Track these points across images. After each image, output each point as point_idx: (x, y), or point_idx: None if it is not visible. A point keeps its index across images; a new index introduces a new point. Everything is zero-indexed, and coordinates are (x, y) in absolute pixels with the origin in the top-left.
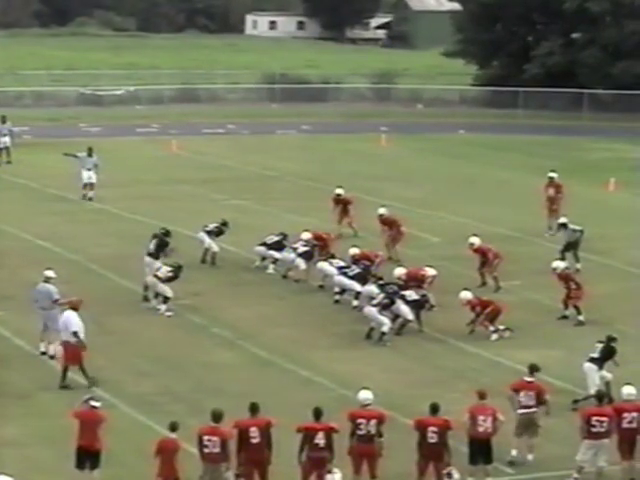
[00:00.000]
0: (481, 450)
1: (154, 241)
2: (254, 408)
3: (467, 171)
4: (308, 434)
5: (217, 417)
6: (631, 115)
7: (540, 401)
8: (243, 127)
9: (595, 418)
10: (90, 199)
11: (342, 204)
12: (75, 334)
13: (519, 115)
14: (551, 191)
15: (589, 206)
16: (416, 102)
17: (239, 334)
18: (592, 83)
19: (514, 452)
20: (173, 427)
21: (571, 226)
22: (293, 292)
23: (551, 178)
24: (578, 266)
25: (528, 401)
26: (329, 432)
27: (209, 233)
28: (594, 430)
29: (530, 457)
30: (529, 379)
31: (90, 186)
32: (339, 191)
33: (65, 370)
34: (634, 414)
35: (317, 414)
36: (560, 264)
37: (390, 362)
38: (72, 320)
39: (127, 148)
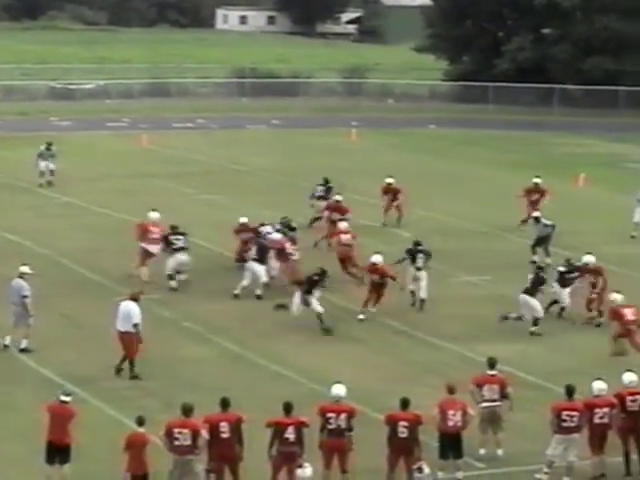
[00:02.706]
0: (451, 444)
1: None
2: (225, 403)
3: (437, 166)
4: (278, 429)
5: (187, 411)
6: (601, 110)
7: (503, 394)
8: (213, 121)
9: (566, 413)
10: (49, 183)
11: (392, 193)
12: (136, 326)
13: (489, 110)
14: (536, 196)
15: (559, 201)
16: (387, 97)
17: (210, 328)
18: (562, 78)
19: (482, 451)
20: (140, 421)
21: (543, 220)
22: (264, 286)
23: (536, 184)
24: (548, 260)
25: (492, 395)
26: (299, 427)
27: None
28: (565, 425)
29: (499, 452)
30: (491, 373)
31: (50, 172)
32: (389, 180)
33: (131, 361)
34: (605, 409)
35: (287, 408)
36: (591, 258)
37: (360, 356)
38: (135, 311)
39: (97, 142)
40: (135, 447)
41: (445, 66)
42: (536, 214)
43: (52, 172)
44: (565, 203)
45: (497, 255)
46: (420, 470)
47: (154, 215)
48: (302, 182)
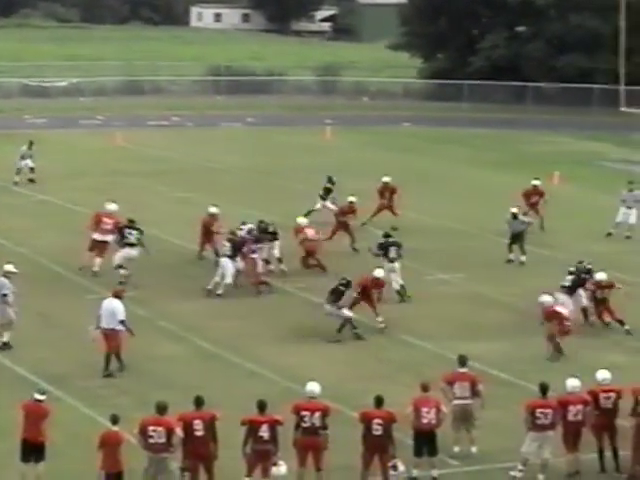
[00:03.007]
0: (426, 442)
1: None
2: (199, 401)
3: (412, 164)
4: (252, 427)
5: (161, 409)
6: (574, 108)
7: (474, 392)
8: (187, 119)
9: (539, 410)
10: (31, 180)
11: (389, 192)
12: (123, 322)
13: (463, 108)
14: (535, 198)
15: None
16: (361, 95)
17: (185, 327)
18: (536, 76)
19: (456, 449)
20: (114, 420)
21: (521, 217)
22: (238, 285)
23: (535, 186)
24: (523, 259)
25: (463, 392)
26: (273, 425)
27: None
28: (538, 422)
29: (474, 449)
30: (462, 370)
31: (30, 170)
32: (386, 179)
33: (108, 358)
34: (579, 407)
35: (261, 407)
36: (547, 298)
37: (335, 355)
38: (119, 308)
39: (71, 140)
40: (109, 445)
41: (420, 64)
42: (514, 210)
43: (32, 169)
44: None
45: (472, 253)
46: (395, 468)
47: (111, 206)
48: (277, 180)
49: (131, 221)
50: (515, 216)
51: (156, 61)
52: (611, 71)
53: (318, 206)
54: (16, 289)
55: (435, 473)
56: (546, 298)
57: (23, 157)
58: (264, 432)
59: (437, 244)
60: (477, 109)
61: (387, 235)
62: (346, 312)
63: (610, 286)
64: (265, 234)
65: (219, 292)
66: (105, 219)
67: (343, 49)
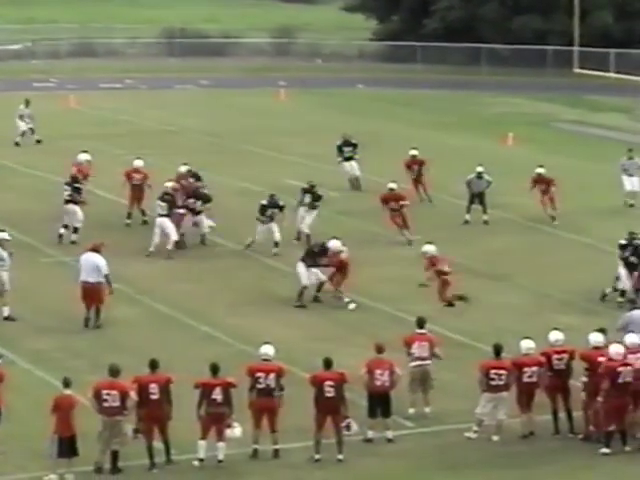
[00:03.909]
0: (379, 404)
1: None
2: (154, 364)
3: (366, 126)
4: (205, 390)
5: (114, 372)
6: (529, 70)
7: (432, 353)
8: (141, 82)
9: (494, 371)
10: (39, 141)
11: (418, 165)
12: (107, 277)
13: (418, 70)
14: (543, 186)
15: (487, 161)
16: (315, 57)
17: (139, 289)
18: (491, 38)
19: (411, 410)
20: (66, 382)
21: (485, 176)
22: (193, 247)
23: (539, 174)
24: (486, 217)
25: (422, 353)
26: (226, 387)
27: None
28: (493, 383)
29: (427, 410)
30: (421, 331)
31: (31, 131)
32: (414, 152)
33: (98, 311)
34: (534, 368)
35: (214, 369)
36: (430, 248)
37: (290, 317)
38: (102, 263)
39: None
40: (63, 409)
41: (375, 26)
42: (480, 169)
43: (32, 130)
44: (494, 162)
45: (428, 215)
46: (348, 428)
47: (81, 156)
48: (231, 142)
49: (73, 177)
50: (480, 175)
51: (110, 24)
52: (565, 33)
53: (356, 172)
54: (13, 250)
55: (390, 434)
56: (428, 248)
57: (22, 117)
58: (217, 395)
59: None
60: (431, 71)
61: (312, 185)
62: (321, 276)
63: None
64: (273, 208)
65: (168, 247)
66: (72, 168)
67: (298, 11)
